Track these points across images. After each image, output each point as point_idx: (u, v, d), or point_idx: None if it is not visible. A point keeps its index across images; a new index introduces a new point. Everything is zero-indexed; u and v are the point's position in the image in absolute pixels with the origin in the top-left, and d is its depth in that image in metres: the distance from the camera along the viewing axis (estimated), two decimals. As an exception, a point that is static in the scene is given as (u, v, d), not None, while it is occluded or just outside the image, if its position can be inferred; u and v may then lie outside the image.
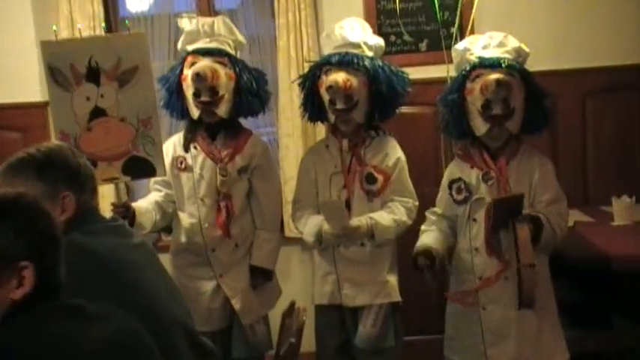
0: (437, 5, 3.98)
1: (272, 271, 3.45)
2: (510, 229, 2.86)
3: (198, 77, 3.16)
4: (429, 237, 3.14)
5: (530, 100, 3.04)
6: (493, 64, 3.01)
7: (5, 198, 1.68)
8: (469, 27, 4.01)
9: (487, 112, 2.99)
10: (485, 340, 3.06)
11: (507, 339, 3.02)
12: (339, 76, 3.15)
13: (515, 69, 3.00)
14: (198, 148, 3.33)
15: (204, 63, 3.21)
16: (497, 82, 2.93)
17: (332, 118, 3.29)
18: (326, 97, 3.24)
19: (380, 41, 3.38)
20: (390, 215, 3.22)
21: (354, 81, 3.16)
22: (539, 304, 2.96)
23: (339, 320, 3.37)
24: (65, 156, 2.15)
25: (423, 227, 3.23)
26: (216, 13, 4.35)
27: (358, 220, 3.17)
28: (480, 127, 3.03)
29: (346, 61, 3.20)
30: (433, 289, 3.06)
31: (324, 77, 3.23)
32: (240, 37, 3.43)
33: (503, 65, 3.00)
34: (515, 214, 2.84)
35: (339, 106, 3.20)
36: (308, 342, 3.12)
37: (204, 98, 3.22)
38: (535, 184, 3.02)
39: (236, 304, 3.31)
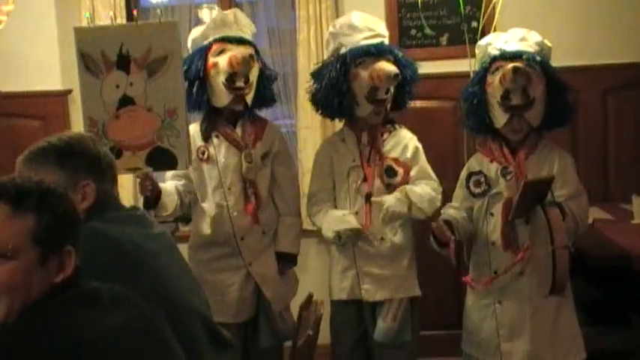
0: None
1: (297, 255, 3.47)
2: (539, 214, 2.83)
3: (245, 60, 3.17)
4: (449, 213, 3.15)
5: (551, 92, 3.03)
6: (513, 56, 3.01)
7: (42, 186, 1.71)
8: (493, 23, 4.00)
9: (506, 102, 2.99)
10: (499, 334, 3.06)
11: (522, 334, 3.02)
12: (389, 66, 3.13)
13: (535, 61, 3.00)
14: (220, 137, 3.33)
15: (236, 50, 3.22)
16: (515, 69, 2.92)
17: (367, 110, 3.24)
18: (364, 90, 3.18)
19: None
20: (420, 188, 3.24)
21: None
22: (556, 300, 2.95)
23: (357, 315, 3.36)
24: (86, 144, 2.16)
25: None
26: (237, 5, 4.36)
27: (392, 197, 3.18)
28: (500, 118, 3.03)
29: (385, 50, 3.21)
30: (455, 265, 3.05)
31: (359, 70, 3.18)
32: (254, 29, 3.46)
33: (523, 57, 2.99)
34: (542, 199, 2.83)
35: (381, 96, 3.19)
36: (325, 334, 3.13)
37: (238, 84, 3.22)
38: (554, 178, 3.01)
39: (267, 291, 3.32)
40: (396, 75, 3.12)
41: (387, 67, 3.14)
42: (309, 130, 4.20)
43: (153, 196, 3.13)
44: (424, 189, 3.24)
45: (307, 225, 3.81)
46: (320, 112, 3.42)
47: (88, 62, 3.01)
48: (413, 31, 4.20)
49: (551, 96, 3.03)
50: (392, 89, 3.21)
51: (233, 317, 3.26)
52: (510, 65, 2.95)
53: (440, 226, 2.99)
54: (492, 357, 3.09)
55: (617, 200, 3.99)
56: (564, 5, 4.14)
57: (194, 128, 3.38)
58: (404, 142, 3.31)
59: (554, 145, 3.12)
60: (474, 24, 4.13)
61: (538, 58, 3.01)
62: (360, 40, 3.24)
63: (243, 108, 3.31)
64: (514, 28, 3.14)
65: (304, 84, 4.06)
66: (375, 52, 3.18)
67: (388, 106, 3.25)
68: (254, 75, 3.26)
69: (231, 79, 3.22)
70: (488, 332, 3.10)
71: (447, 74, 4.02)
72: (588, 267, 3.22)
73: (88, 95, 3.05)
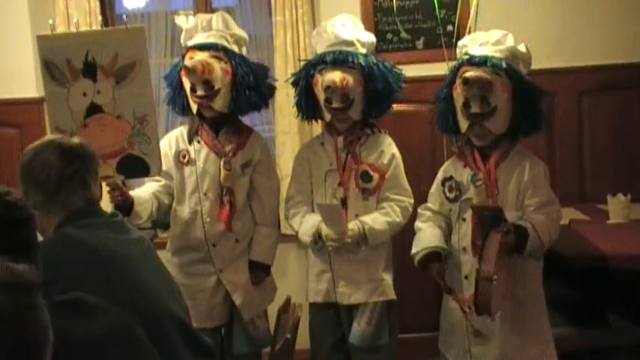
0: (436, 3, 3.98)
1: (270, 265, 3.45)
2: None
3: (187, 70, 3.16)
4: (431, 236, 3.12)
5: (519, 100, 2.99)
6: (479, 62, 2.99)
7: None
8: (467, 25, 4.02)
9: (467, 109, 2.99)
10: (470, 339, 3.07)
11: (491, 340, 3.02)
12: (335, 76, 3.15)
13: (500, 68, 2.97)
14: (202, 142, 3.33)
15: (197, 57, 3.20)
16: (465, 80, 2.92)
17: (328, 116, 3.28)
18: (321, 96, 3.23)
19: (372, 37, 3.39)
20: (384, 218, 3.23)
21: (349, 79, 3.16)
22: (529, 306, 2.96)
23: (334, 318, 3.38)
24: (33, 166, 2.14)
25: (418, 224, 3.21)
26: (213, 11, 4.35)
27: (350, 229, 3.16)
28: (462, 124, 3.04)
29: (341, 59, 3.20)
30: (445, 286, 3.06)
31: (318, 76, 3.23)
32: (240, 32, 3.41)
33: (488, 64, 2.97)
34: (497, 224, 2.79)
35: (336, 105, 3.20)
36: (303, 338, 3.12)
37: (199, 92, 3.21)
38: (524, 186, 2.99)
39: (237, 299, 3.32)
40: (337, 85, 3.13)
41: (328, 77, 3.16)
42: (288, 135, 4.21)
43: (126, 206, 3.09)
44: (384, 223, 3.22)
45: (286, 229, 3.81)
46: (298, 114, 3.45)
47: (53, 71, 2.97)
48: (389, 36, 4.21)
49: (519, 103, 2.99)
50: (356, 98, 3.20)
51: (202, 322, 3.24)
52: (465, 74, 2.95)
53: (434, 273, 3.07)
54: (462, 359, 3.10)
55: (593, 201, 4.01)
56: (540, 8, 4.16)
57: (181, 131, 3.40)
58: (381, 148, 3.31)
59: (527, 153, 3.09)
60: (450, 28, 4.15)
61: (504, 65, 2.97)
62: (324, 47, 3.27)
63: (218, 115, 3.30)
64: (494, 30, 3.13)
65: (282, 89, 4.07)
66: (330, 61, 3.20)
67: (352, 113, 3.23)
68: (220, 81, 3.22)
69: (193, 87, 3.22)
70: (459, 335, 3.10)
71: (423, 78, 4.03)
72: (565, 267, 3.23)
73: (54, 105, 3.01)
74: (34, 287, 1.24)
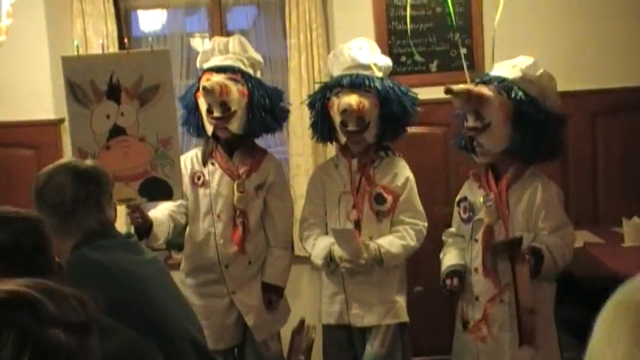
0: (453, 21, 4.00)
1: (284, 288, 3.45)
2: (509, 269, 2.86)
3: (205, 91, 3.17)
4: (451, 257, 3.15)
5: (520, 122, 2.95)
6: (485, 81, 3.04)
7: None
8: (482, 49, 4.04)
9: (465, 124, 3.03)
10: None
11: None
12: (351, 99, 3.16)
13: (503, 88, 2.97)
14: (216, 164, 3.35)
15: (214, 78, 3.23)
16: (447, 90, 2.94)
17: (343, 139, 3.29)
18: (337, 119, 3.25)
19: (388, 61, 3.40)
20: (399, 241, 3.23)
21: (365, 103, 3.18)
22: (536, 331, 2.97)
23: (347, 340, 3.37)
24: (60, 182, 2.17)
25: (442, 254, 3.24)
26: (228, 34, 4.38)
27: (366, 252, 3.17)
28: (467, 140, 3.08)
29: (357, 82, 3.22)
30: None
31: (334, 99, 3.25)
32: (256, 55, 3.44)
33: (494, 82, 3.00)
34: (515, 254, 2.82)
35: (351, 127, 3.21)
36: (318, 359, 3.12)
37: (216, 114, 3.23)
38: (537, 209, 2.98)
39: (249, 320, 3.32)
40: (353, 109, 3.13)
41: (344, 100, 3.17)
42: (302, 157, 4.22)
43: (145, 227, 3.10)
44: (399, 246, 3.22)
45: (300, 251, 3.81)
46: (313, 135, 3.47)
47: (76, 92, 2.97)
48: (403, 58, 4.23)
49: (521, 125, 2.95)
50: (372, 121, 3.22)
51: (216, 343, 3.23)
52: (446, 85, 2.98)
53: (450, 286, 3.08)
54: None
55: (608, 223, 4.00)
56: (553, 31, 4.17)
57: (195, 153, 3.42)
58: (395, 170, 3.32)
59: (540, 175, 3.07)
60: (464, 50, 4.17)
61: (508, 85, 2.97)
62: (341, 69, 3.29)
63: (232, 136, 3.32)
64: (522, 56, 3.13)
65: (296, 111, 4.09)
66: (346, 84, 3.22)
67: (368, 136, 3.25)
68: (236, 103, 3.25)
69: (209, 108, 3.24)
70: (470, 357, 3.10)
71: (437, 100, 4.01)
72: (579, 290, 3.22)
73: (77, 126, 3.01)
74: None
